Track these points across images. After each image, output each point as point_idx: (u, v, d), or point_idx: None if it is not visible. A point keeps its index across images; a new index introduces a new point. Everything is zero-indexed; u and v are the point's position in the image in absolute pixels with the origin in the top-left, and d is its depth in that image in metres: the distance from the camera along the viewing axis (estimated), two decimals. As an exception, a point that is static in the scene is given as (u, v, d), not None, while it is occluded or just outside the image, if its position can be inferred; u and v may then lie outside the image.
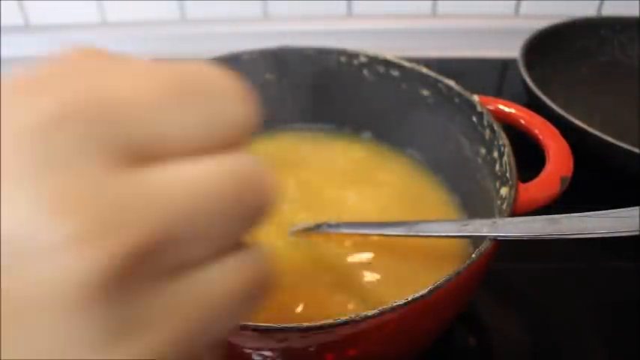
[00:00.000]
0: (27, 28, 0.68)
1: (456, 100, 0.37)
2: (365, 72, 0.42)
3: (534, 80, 0.49)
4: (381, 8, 0.67)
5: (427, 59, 0.43)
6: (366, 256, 0.35)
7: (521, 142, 0.33)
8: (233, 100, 0.12)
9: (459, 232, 0.29)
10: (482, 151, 0.35)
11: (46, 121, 0.09)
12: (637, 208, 0.22)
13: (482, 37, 0.66)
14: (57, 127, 0.10)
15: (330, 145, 0.45)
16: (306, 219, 0.38)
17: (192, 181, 0.10)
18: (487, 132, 0.34)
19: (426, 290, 0.24)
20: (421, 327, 0.28)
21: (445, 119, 0.38)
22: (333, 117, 0.46)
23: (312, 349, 0.24)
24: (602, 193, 0.43)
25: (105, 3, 0.66)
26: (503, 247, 0.27)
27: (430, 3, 0.67)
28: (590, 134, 0.42)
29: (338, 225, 0.35)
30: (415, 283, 0.26)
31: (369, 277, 0.34)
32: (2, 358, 0.09)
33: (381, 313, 0.23)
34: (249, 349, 0.24)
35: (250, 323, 0.22)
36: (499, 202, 0.31)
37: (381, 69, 0.41)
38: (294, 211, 0.39)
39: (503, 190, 0.31)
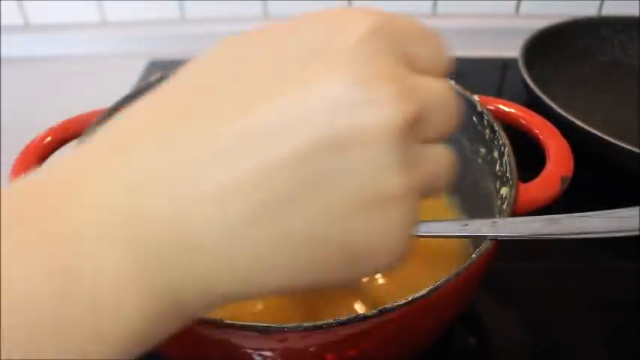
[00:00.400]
0: (27, 28, 0.68)
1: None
2: (365, 72, 0.42)
3: (534, 80, 0.49)
4: (380, 8, 0.67)
5: (427, 59, 0.43)
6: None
7: (522, 142, 0.33)
8: (444, 47, 0.18)
9: (459, 232, 0.28)
10: (483, 150, 0.35)
11: (369, 31, 0.16)
12: (637, 208, 0.22)
13: (483, 37, 0.66)
14: (374, 35, 0.16)
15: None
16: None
17: (435, 86, 0.17)
18: (487, 132, 0.34)
19: (426, 290, 0.24)
20: (421, 327, 0.28)
21: (445, 119, 0.38)
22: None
23: (312, 349, 0.24)
24: (602, 193, 0.43)
25: (105, 3, 0.66)
26: (504, 247, 0.27)
27: (430, 3, 0.67)
28: (590, 134, 0.42)
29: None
30: (415, 283, 0.26)
31: (369, 277, 0.34)
32: (341, 182, 0.15)
33: (381, 313, 0.23)
34: (250, 349, 0.24)
35: (250, 323, 0.22)
36: (499, 202, 0.31)
37: (381, 69, 0.41)
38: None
39: (504, 190, 0.31)
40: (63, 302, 0.13)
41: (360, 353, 0.25)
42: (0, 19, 0.66)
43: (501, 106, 0.36)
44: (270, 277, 0.16)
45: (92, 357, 0.14)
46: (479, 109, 0.35)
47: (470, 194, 0.38)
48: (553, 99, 0.46)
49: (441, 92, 0.17)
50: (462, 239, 0.35)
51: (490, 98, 0.36)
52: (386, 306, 0.23)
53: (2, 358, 0.12)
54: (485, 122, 0.34)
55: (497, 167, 0.33)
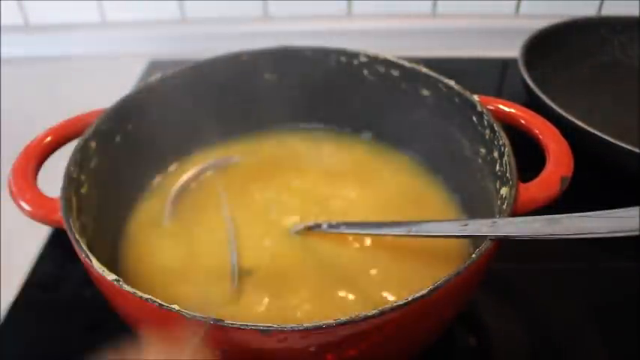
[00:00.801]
0: (27, 28, 0.68)
1: (456, 100, 0.37)
2: (365, 72, 0.42)
3: (534, 80, 0.49)
4: (381, 8, 0.67)
5: (427, 59, 0.43)
6: (366, 256, 0.35)
7: (522, 142, 0.33)
8: None
9: (459, 232, 0.29)
10: (483, 150, 0.35)
11: None
12: (637, 208, 0.22)
13: (482, 37, 0.66)
14: None
15: (330, 145, 0.45)
16: (306, 219, 0.38)
17: None
18: (487, 132, 0.34)
19: (426, 290, 0.24)
20: (421, 327, 0.28)
21: (445, 119, 0.38)
22: (333, 117, 0.46)
23: (312, 349, 0.24)
24: (602, 193, 0.43)
25: (105, 3, 0.66)
26: (504, 247, 0.27)
27: (430, 3, 0.67)
28: (590, 134, 0.42)
29: (338, 225, 0.35)
30: (415, 283, 0.26)
31: (369, 277, 0.34)
32: None
33: (381, 313, 0.23)
34: (250, 349, 0.24)
35: (250, 323, 0.22)
36: (499, 202, 0.31)
37: (381, 69, 0.41)
38: (294, 211, 0.39)
39: (504, 190, 0.31)
40: None
41: (360, 353, 0.25)
42: (0, 19, 0.66)
43: (501, 106, 0.36)
44: None
45: None
46: (479, 109, 0.35)
47: (470, 194, 0.38)
48: (553, 99, 0.46)
49: None
50: (462, 239, 0.35)
51: (490, 98, 0.36)
52: (386, 306, 0.23)
53: None
54: (485, 122, 0.34)
55: (497, 167, 0.33)
